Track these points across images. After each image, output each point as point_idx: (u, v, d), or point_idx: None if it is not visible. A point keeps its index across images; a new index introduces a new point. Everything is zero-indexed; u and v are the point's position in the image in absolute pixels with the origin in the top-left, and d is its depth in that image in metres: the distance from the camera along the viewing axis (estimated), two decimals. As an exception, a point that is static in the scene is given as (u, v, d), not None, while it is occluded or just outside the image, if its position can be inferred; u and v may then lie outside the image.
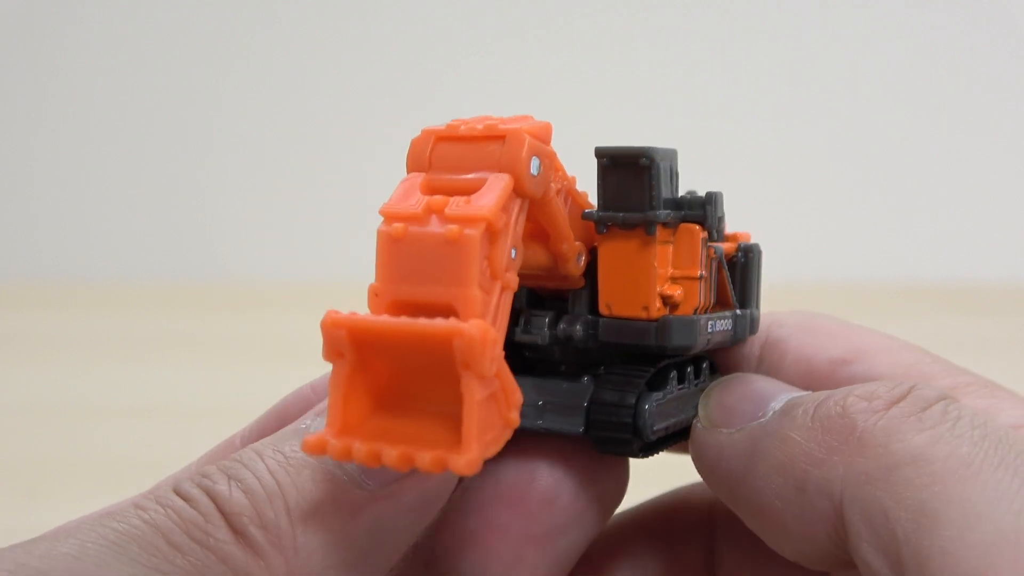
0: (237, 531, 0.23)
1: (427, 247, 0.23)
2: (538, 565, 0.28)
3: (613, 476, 0.28)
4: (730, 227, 0.31)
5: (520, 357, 0.28)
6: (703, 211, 0.27)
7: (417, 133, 0.26)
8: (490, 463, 0.25)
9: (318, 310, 0.25)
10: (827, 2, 0.99)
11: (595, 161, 0.28)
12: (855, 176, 1.02)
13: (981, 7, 0.97)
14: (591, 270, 0.27)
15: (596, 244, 0.27)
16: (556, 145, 0.26)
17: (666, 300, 0.27)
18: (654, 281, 0.27)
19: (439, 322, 0.22)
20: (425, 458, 0.22)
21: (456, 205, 0.24)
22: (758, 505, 0.25)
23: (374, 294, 0.24)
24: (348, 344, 0.23)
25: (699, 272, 0.27)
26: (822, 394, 0.25)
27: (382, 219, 0.24)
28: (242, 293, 0.97)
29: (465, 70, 1.01)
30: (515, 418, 0.23)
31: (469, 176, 0.24)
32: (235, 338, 0.84)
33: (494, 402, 0.23)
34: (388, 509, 0.24)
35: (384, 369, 0.24)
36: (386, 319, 0.23)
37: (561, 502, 0.28)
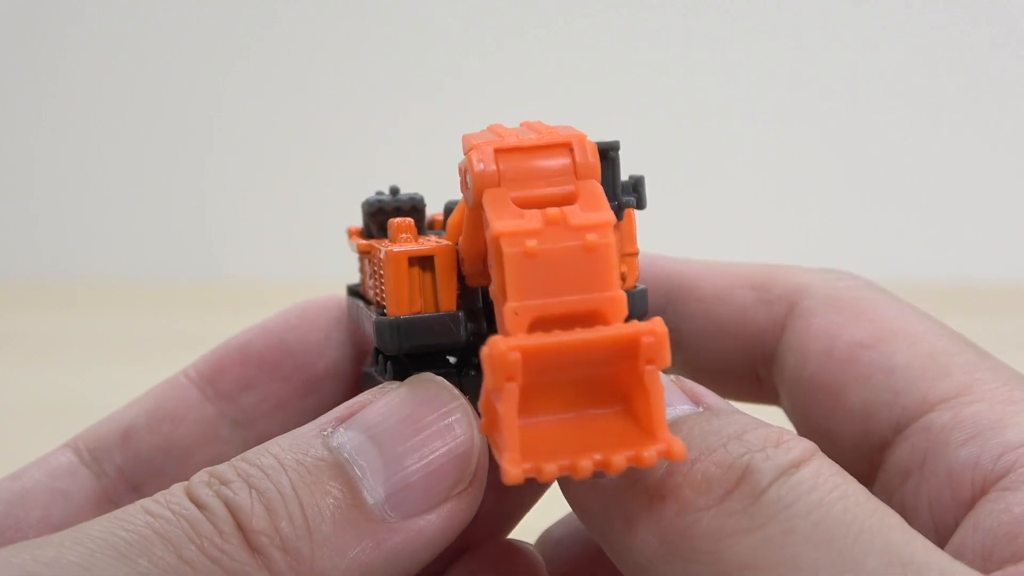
0: (256, 551, 0.22)
1: (564, 259, 0.23)
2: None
3: None
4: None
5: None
6: (637, 194, 0.29)
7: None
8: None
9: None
10: (827, 2, 0.99)
11: None
12: (855, 176, 1.02)
13: (981, 7, 0.97)
14: None
15: None
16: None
17: (622, 277, 0.28)
18: (619, 261, 0.28)
19: (621, 327, 0.23)
20: (620, 459, 0.23)
21: (576, 215, 0.24)
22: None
23: (513, 313, 0.23)
24: (522, 367, 0.23)
25: (637, 249, 0.29)
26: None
27: (500, 239, 0.23)
28: (242, 293, 0.97)
29: (465, 70, 1.01)
30: None
31: (555, 189, 0.24)
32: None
33: None
34: (407, 542, 0.24)
35: (540, 385, 0.24)
36: (559, 335, 0.23)
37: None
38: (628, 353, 0.23)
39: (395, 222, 0.28)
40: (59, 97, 1.05)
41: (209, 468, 0.24)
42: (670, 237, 1.11)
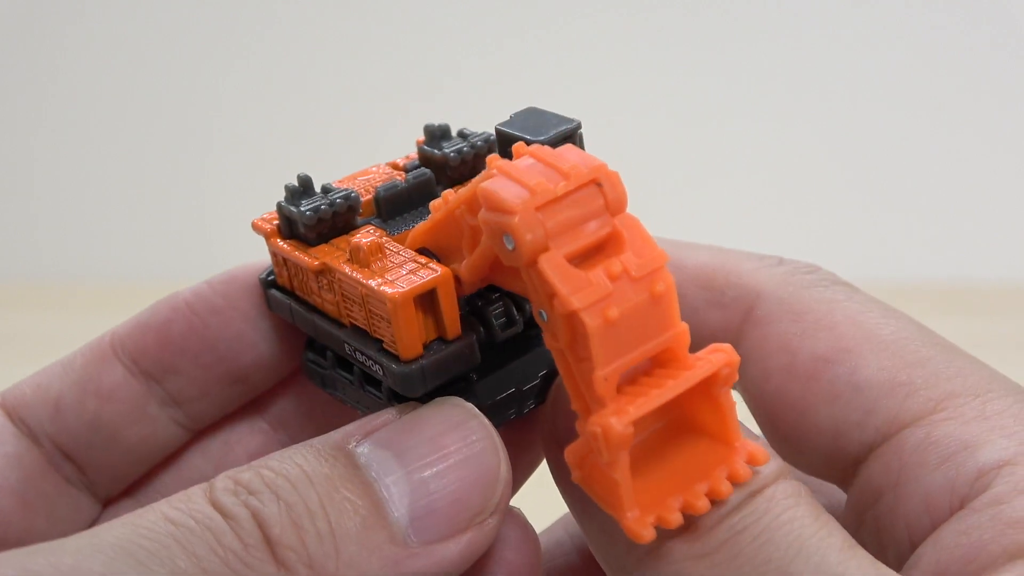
0: (282, 565, 0.21)
1: (638, 314, 0.24)
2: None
3: None
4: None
5: (491, 351, 0.28)
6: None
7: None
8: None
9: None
10: (827, 2, 0.99)
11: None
12: (855, 176, 1.02)
13: (981, 7, 0.97)
14: None
15: None
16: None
17: None
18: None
19: (702, 367, 0.24)
20: (724, 483, 0.24)
21: (633, 264, 0.24)
22: None
23: (603, 380, 0.24)
24: (632, 436, 0.23)
25: None
26: None
27: (581, 314, 0.23)
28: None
29: (465, 70, 1.01)
30: None
31: (599, 231, 0.24)
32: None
33: None
34: (426, 568, 0.23)
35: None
36: (655, 394, 0.24)
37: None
38: (709, 385, 0.24)
39: (363, 248, 0.27)
40: (59, 97, 1.05)
41: (231, 474, 0.23)
42: (670, 237, 1.10)
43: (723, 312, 0.30)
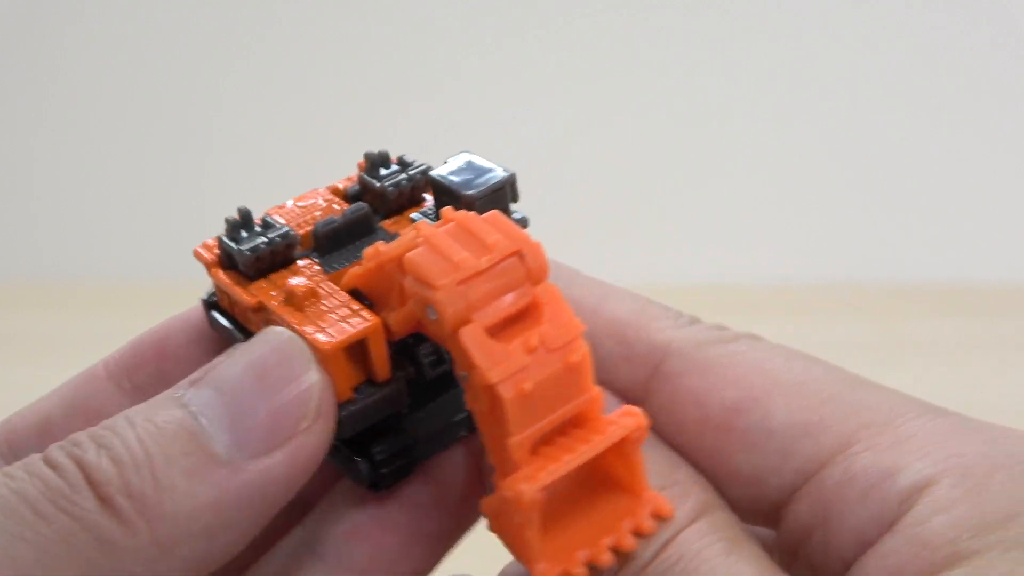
0: (104, 500, 0.24)
1: (552, 383, 0.25)
2: (424, 560, 0.29)
3: None
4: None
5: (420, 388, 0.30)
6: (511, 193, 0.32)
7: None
8: None
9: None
10: (827, 2, 0.99)
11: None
12: (854, 176, 1.02)
13: (981, 7, 0.97)
14: None
15: None
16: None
17: None
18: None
19: (614, 431, 0.26)
20: (629, 536, 0.26)
21: (550, 335, 0.25)
22: None
23: (518, 446, 0.25)
24: (542, 500, 0.25)
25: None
26: None
27: (497, 387, 0.25)
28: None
29: (465, 70, 1.01)
30: None
31: (519, 302, 0.26)
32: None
33: None
34: (256, 480, 0.25)
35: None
36: (566, 459, 0.25)
37: (454, 504, 0.30)
38: (618, 446, 0.26)
39: (298, 291, 0.28)
40: (59, 97, 1.05)
41: (70, 436, 0.26)
42: (670, 237, 1.11)
43: (630, 366, 0.31)
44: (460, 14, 1.00)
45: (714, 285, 0.94)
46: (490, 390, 0.25)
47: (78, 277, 1.04)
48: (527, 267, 0.26)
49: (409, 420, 0.29)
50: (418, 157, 0.33)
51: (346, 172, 0.35)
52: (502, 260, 0.25)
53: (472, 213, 0.26)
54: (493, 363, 0.25)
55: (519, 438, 0.25)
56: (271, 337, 0.27)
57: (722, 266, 1.00)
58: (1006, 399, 0.75)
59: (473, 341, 0.25)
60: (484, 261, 0.25)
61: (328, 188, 0.34)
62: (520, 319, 0.26)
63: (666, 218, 1.02)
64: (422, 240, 0.26)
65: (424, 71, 1.01)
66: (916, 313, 0.92)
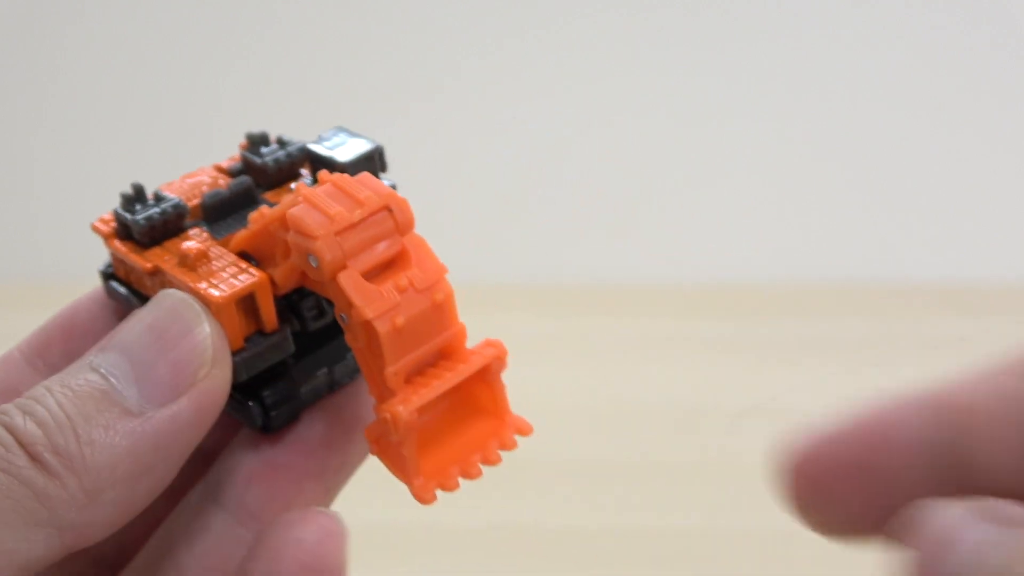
0: (34, 457, 0.27)
1: (422, 319, 0.29)
2: (318, 496, 0.32)
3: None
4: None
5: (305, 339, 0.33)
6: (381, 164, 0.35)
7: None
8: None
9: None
10: (827, 2, 0.99)
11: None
12: (854, 176, 1.02)
13: (981, 7, 0.97)
14: None
15: None
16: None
17: None
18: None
19: (477, 358, 0.30)
20: (495, 452, 0.30)
21: (418, 277, 0.29)
22: None
23: (393, 375, 0.29)
24: (417, 420, 0.29)
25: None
26: None
27: (373, 322, 0.28)
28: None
29: (465, 70, 1.01)
30: None
31: (389, 250, 0.29)
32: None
33: None
34: (166, 428, 0.28)
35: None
36: (436, 384, 0.29)
37: (339, 442, 0.33)
38: (485, 375, 0.30)
39: (191, 253, 0.31)
40: (59, 97, 1.05)
41: None
42: (671, 237, 1.11)
43: None
44: (460, 14, 1.00)
45: (714, 285, 0.95)
46: (367, 326, 0.28)
47: (78, 277, 1.04)
48: (395, 219, 0.29)
49: (296, 369, 0.33)
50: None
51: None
52: (373, 214, 0.29)
53: (345, 175, 0.30)
54: (368, 301, 0.28)
55: (394, 368, 0.29)
56: (165, 299, 0.30)
57: (722, 265, 1.00)
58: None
59: (350, 284, 0.28)
60: (357, 214, 0.29)
61: (213, 166, 0.39)
62: (391, 265, 0.29)
63: (666, 218, 1.02)
64: (302, 198, 0.29)
65: (424, 71, 1.01)
66: (916, 313, 0.92)
